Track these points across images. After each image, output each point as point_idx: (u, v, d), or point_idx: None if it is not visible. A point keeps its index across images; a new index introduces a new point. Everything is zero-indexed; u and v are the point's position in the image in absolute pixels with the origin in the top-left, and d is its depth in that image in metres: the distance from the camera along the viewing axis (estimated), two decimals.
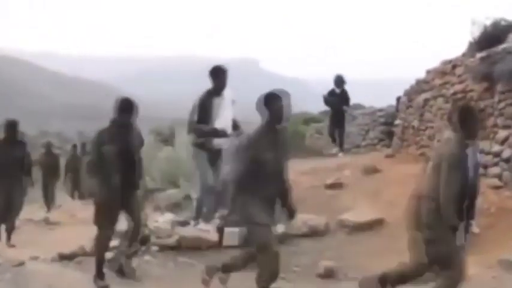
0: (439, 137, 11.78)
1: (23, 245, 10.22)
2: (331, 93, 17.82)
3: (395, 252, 8.12)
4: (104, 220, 7.74)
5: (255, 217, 6.23)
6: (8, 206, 10.94)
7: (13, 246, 10.87)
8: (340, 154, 17.08)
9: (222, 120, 9.29)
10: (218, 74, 9.53)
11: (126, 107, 7.51)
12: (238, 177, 6.24)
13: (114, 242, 9.97)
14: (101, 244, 7.89)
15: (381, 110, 19.95)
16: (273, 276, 6.29)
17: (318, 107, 27.83)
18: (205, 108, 9.26)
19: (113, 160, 7.33)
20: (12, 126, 11.13)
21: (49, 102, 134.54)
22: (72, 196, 21.15)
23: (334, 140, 18.00)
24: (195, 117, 9.31)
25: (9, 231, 11.14)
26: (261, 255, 6.23)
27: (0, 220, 11.04)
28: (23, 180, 11.36)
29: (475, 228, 8.87)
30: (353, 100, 19.13)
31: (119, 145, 7.41)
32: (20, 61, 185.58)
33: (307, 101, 77.56)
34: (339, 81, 17.97)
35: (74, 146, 23.67)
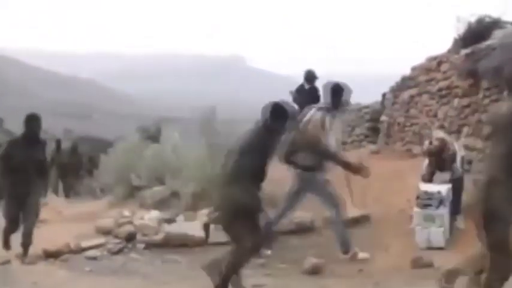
0: (424, 133, 11.86)
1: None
2: (299, 90, 15.75)
3: (382, 247, 8.17)
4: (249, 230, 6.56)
5: None
6: (22, 215, 9.13)
7: (31, 263, 8.93)
8: None
9: (333, 140, 8.59)
10: (339, 92, 8.58)
11: (278, 113, 6.64)
12: None
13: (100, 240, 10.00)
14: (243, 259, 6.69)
15: (366, 106, 19.98)
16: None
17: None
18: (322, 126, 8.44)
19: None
20: (34, 120, 9.22)
21: (37, 100, 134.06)
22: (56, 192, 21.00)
23: None
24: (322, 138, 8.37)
25: (26, 246, 9.04)
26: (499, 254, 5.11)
27: (13, 229, 9.22)
28: (40, 185, 9.38)
29: (460, 224, 8.94)
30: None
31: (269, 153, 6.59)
32: (9, 59, 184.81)
33: None
34: (310, 76, 16.01)
35: (58, 141, 23.19)
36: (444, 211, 8.59)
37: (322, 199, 8.54)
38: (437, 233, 8.54)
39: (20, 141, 9.23)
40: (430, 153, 9.16)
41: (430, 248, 8.46)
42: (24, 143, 9.12)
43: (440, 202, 8.49)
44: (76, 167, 22.04)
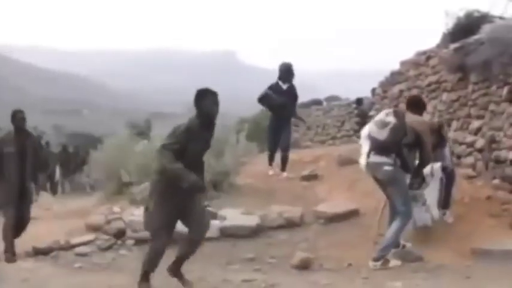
0: None
1: None
2: (276, 89, 12.58)
3: (371, 242, 8.19)
4: None
5: None
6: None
7: None
8: (284, 174, 12.56)
9: None
10: None
11: None
12: None
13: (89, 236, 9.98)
14: None
15: (353, 102, 20.11)
16: None
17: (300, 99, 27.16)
18: None
19: None
20: (211, 96, 6.87)
21: (28, 96, 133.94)
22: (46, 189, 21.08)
23: (272, 158, 12.86)
24: None
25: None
26: None
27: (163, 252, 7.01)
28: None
29: (449, 218, 8.97)
30: (329, 92, 18.89)
31: None
32: (0, 56, 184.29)
33: None
34: (287, 72, 12.67)
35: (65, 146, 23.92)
36: (426, 190, 8.50)
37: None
38: (420, 212, 8.44)
39: (197, 124, 6.83)
40: (431, 130, 9.04)
41: (417, 228, 8.45)
42: (203, 127, 6.87)
43: (422, 181, 8.41)
44: (66, 164, 22.21)
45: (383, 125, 7.86)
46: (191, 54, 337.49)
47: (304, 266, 7.89)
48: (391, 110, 8.11)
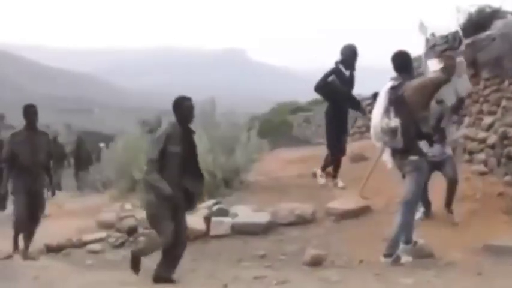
0: None
1: (10, 237, 10.15)
2: (341, 76, 11.04)
3: (382, 239, 8.18)
4: None
5: None
6: None
7: None
8: (340, 184, 11.31)
9: None
10: None
11: None
12: None
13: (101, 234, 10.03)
14: None
15: (367, 98, 20.00)
16: None
17: (307, 96, 26.96)
18: None
19: None
20: None
21: (32, 94, 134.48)
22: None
23: (333, 162, 11.44)
24: None
25: None
26: None
27: None
28: None
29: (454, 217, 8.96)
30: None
31: None
32: (6, 54, 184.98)
33: (297, 90, 78.35)
34: (353, 55, 10.96)
35: (79, 138, 24.17)
36: None
37: None
38: None
39: None
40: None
41: None
42: None
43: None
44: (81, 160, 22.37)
45: (392, 132, 7.52)
46: (198, 52, 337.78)
47: (316, 262, 7.87)
48: (391, 101, 7.61)
